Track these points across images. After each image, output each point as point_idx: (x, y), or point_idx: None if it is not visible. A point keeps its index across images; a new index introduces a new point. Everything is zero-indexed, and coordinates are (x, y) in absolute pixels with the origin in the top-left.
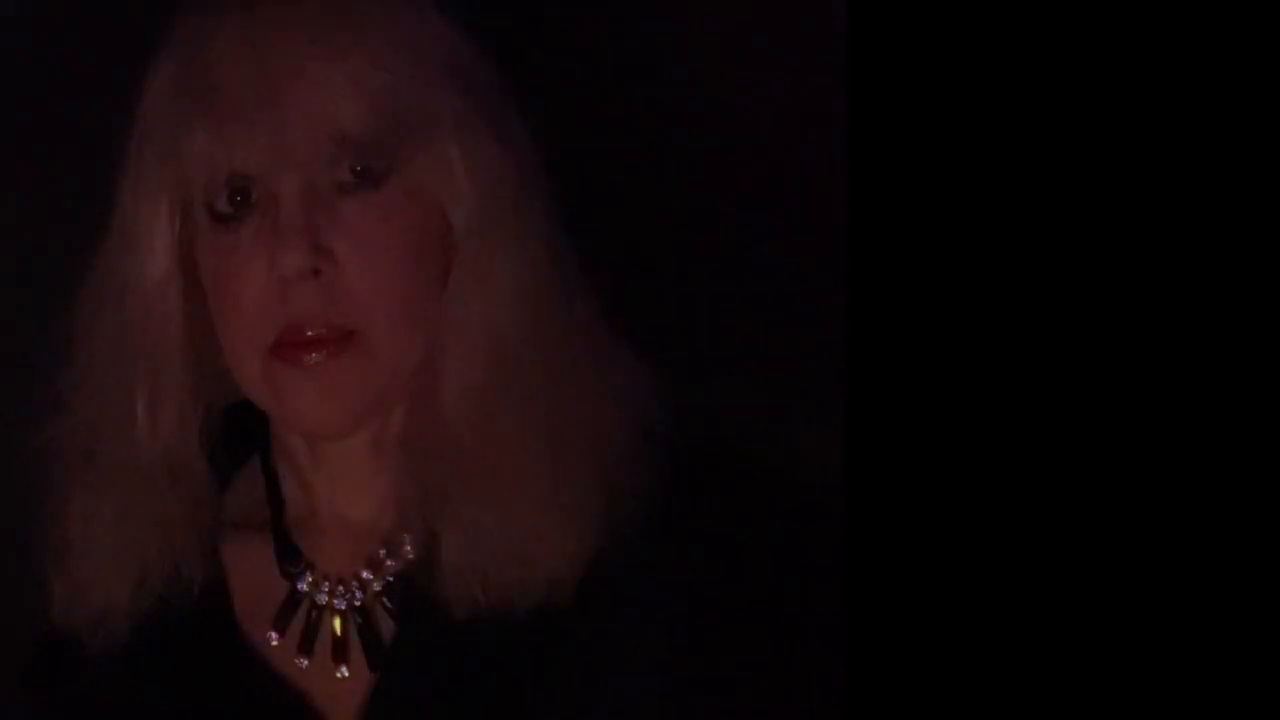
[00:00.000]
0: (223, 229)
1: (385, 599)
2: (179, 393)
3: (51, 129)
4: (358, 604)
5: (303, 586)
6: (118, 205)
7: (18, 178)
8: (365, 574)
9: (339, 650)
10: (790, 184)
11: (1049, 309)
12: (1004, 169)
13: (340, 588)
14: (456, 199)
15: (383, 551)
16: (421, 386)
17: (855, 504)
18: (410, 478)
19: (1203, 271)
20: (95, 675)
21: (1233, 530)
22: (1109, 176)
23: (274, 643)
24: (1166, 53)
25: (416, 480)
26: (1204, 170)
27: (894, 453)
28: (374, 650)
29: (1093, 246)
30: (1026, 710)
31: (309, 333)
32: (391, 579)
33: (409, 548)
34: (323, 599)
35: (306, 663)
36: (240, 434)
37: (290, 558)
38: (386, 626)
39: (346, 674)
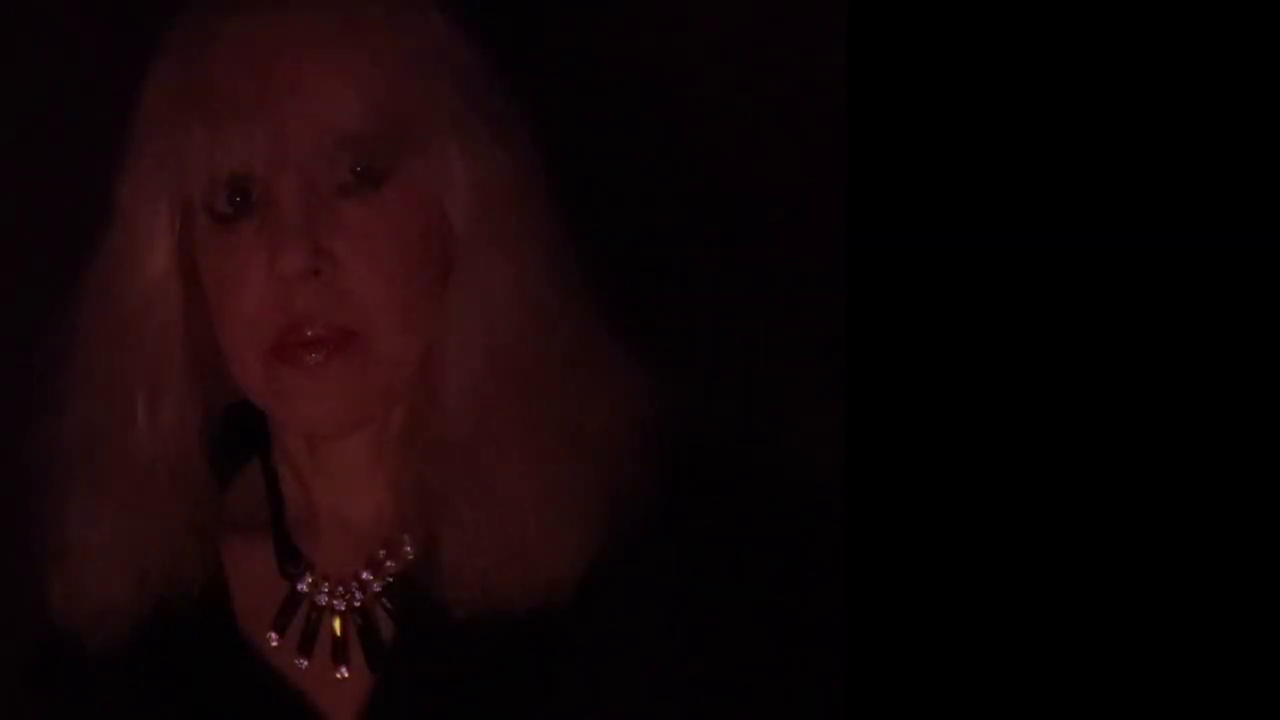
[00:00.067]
0: (223, 229)
1: (385, 599)
2: (179, 393)
3: (51, 129)
4: (357, 604)
5: (303, 587)
6: (118, 205)
7: (18, 177)
8: (365, 574)
9: (339, 651)
10: (790, 184)
11: (1049, 309)
12: (1003, 168)
13: (340, 588)
14: (456, 199)
15: (382, 552)
16: (421, 386)
17: (855, 504)
18: (410, 478)
19: (1203, 276)
20: (95, 675)
21: (1233, 530)
22: (1108, 174)
23: (274, 643)
24: (1167, 53)
25: (416, 480)
26: (1204, 171)
27: (894, 452)
28: (374, 651)
29: (1092, 246)
30: (1026, 710)
31: (309, 333)
32: (391, 579)
33: (409, 548)
34: (323, 599)
35: (306, 663)
36: (240, 434)
37: (290, 558)
38: (386, 627)
39: (346, 674)
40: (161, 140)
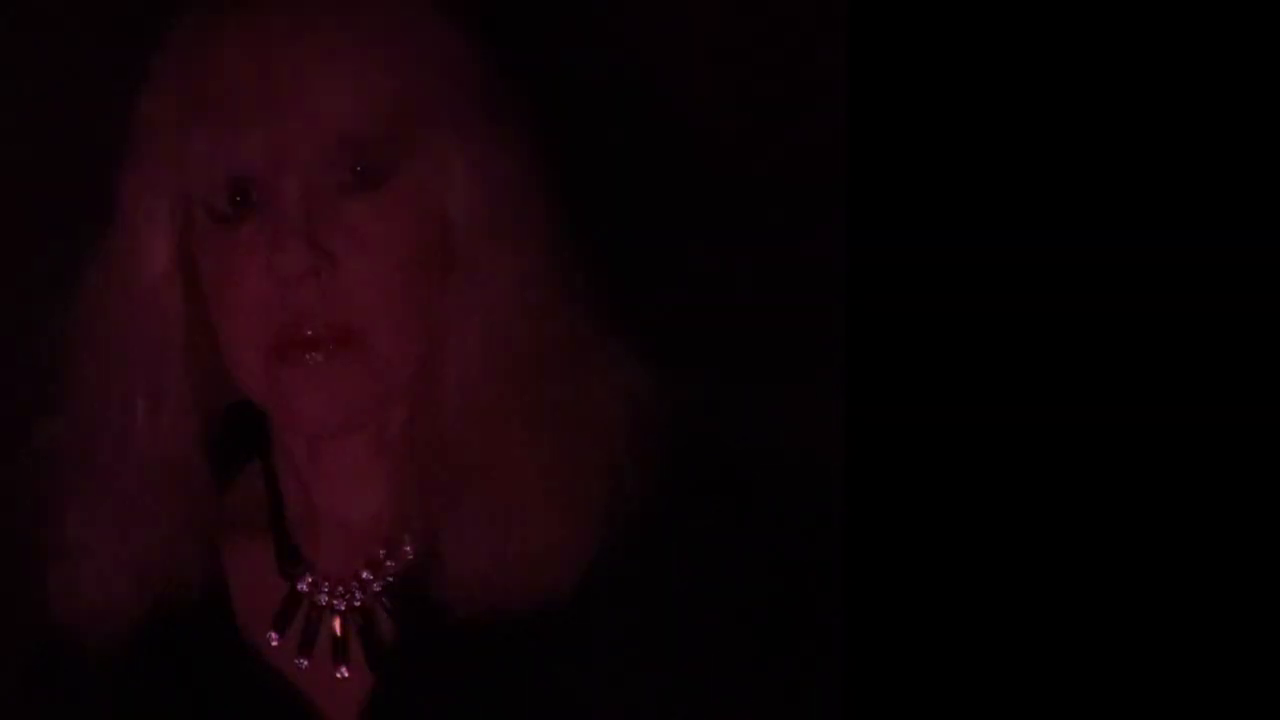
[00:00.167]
0: (223, 229)
1: (385, 599)
2: (179, 392)
3: (52, 129)
4: (357, 604)
5: (303, 587)
6: (118, 205)
7: (18, 177)
8: (365, 574)
9: (339, 651)
10: (790, 184)
11: (1049, 309)
12: (1004, 168)
13: (340, 588)
14: (456, 199)
15: (383, 552)
16: (421, 386)
17: (855, 504)
18: (410, 478)
19: (1203, 276)
20: (95, 675)
21: (1233, 530)
22: (1108, 174)
23: (274, 643)
24: (1167, 52)
25: (416, 480)
26: (1204, 171)
27: (894, 452)
28: (374, 651)
29: (1092, 246)
30: (1026, 710)
31: (309, 332)
32: (391, 579)
33: (409, 548)
34: (323, 599)
35: (306, 663)
36: (240, 434)
37: (290, 558)
38: (386, 627)
39: (346, 674)
40: (161, 140)
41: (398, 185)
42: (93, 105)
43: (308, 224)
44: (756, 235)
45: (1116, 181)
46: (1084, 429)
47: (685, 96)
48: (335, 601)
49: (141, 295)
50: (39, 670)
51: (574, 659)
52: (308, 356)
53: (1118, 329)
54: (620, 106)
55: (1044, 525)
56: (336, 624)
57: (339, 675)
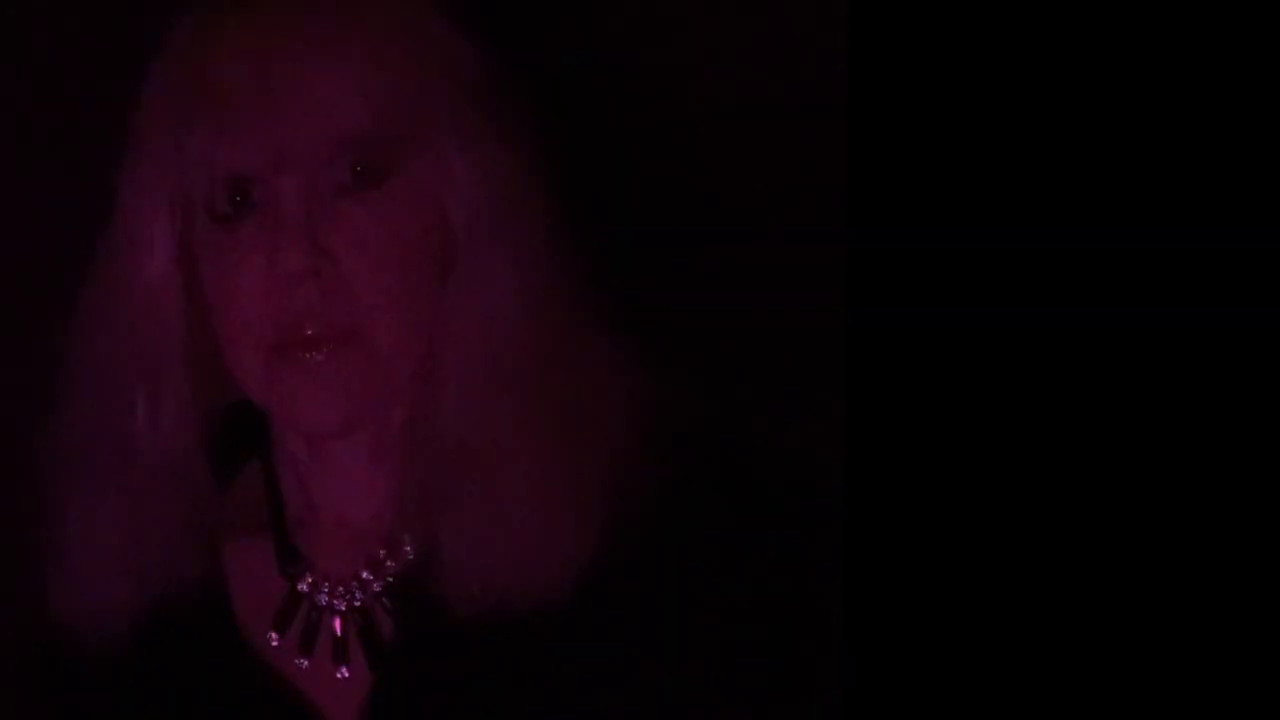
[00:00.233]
0: (223, 229)
1: (385, 599)
2: (179, 393)
3: (52, 129)
4: (358, 604)
5: (303, 587)
6: (118, 205)
7: (18, 177)
8: (365, 574)
9: (339, 651)
10: (790, 184)
11: (1049, 308)
12: (1004, 168)
13: (340, 588)
14: (456, 199)
15: (383, 552)
16: (421, 386)
17: (855, 504)
18: (410, 478)
19: (1203, 276)
20: (95, 675)
21: (1233, 530)
22: (1108, 174)
23: (274, 643)
24: (1167, 52)
25: (417, 480)
26: (1204, 171)
27: (894, 452)
28: (374, 651)
29: (1092, 246)
30: (1027, 710)
31: (309, 332)
32: (391, 579)
33: (409, 548)
34: (323, 599)
35: (306, 663)
36: (240, 434)
37: (290, 558)
38: (386, 627)
39: (346, 674)
40: (162, 140)
41: (398, 185)
42: (93, 105)
43: (308, 224)
44: (756, 235)
45: (1116, 182)
46: (1083, 429)
47: (685, 96)
48: (335, 601)
49: (141, 295)
50: (39, 670)
51: (574, 659)
52: (308, 356)
53: (1117, 329)
54: (620, 106)
55: (1044, 525)
56: (337, 624)
57: (339, 675)
